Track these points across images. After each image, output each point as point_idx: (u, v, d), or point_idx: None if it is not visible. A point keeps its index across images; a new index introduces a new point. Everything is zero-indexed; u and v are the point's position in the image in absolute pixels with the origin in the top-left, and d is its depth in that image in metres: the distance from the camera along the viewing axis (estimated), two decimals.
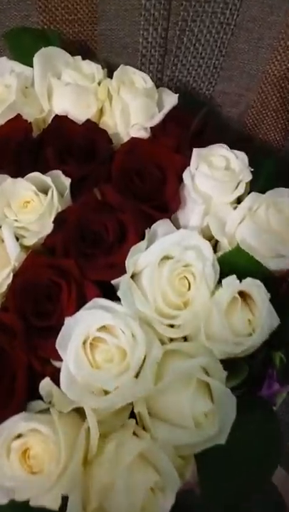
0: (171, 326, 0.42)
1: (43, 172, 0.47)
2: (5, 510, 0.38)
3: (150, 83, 0.54)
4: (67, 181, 0.47)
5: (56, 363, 0.41)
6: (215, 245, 0.48)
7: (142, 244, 0.44)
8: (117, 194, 0.46)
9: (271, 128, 0.66)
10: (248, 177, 0.48)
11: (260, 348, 0.42)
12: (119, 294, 0.42)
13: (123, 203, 0.46)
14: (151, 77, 0.55)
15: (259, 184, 0.50)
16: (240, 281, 0.42)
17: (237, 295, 0.42)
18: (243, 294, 0.43)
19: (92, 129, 0.51)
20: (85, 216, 0.45)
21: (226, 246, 0.46)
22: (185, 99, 0.56)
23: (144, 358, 0.40)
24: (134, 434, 0.40)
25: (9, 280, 0.43)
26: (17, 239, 0.45)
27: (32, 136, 0.50)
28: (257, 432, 0.42)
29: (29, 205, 0.46)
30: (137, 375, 0.39)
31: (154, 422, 0.40)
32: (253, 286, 0.42)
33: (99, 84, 0.53)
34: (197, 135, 0.53)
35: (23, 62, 0.54)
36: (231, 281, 0.42)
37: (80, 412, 0.40)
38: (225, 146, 0.50)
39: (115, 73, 0.53)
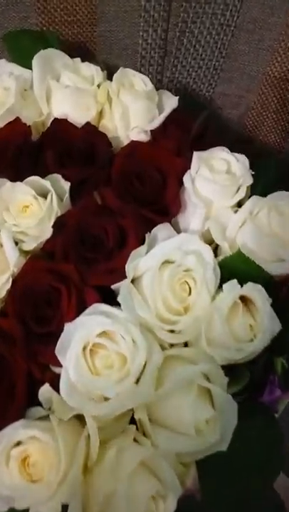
0: (172, 331, 0.42)
1: (43, 176, 0.46)
2: None
3: (150, 85, 0.54)
4: (66, 185, 0.46)
5: (56, 369, 0.41)
6: (215, 249, 0.47)
7: (142, 248, 0.44)
8: (117, 199, 0.46)
9: (271, 130, 0.66)
10: (249, 181, 0.48)
11: (261, 354, 0.42)
12: (119, 299, 0.42)
13: (123, 207, 0.45)
14: (150, 79, 0.55)
15: (259, 187, 0.50)
16: (241, 285, 0.42)
17: (238, 300, 0.42)
18: (244, 299, 0.43)
19: (91, 132, 0.50)
20: (85, 220, 0.45)
21: (226, 250, 0.46)
22: (185, 101, 0.56)
23: (145, 364, 0.39)
24: (135, 440, 0.40)
25: (8, 285, 0.43)
26: (16, 243, 0.45)
27: (31, 140, 0.50)
28: (258, 439, 0.41)
29: (28, 209, 0.46)
30: (137, 381, 0.39)
31: (155, 428, 0.40)
32: (255, 290, 0.42)
33: (98, 86, 0.53)
34: (198, 138, 0.52)
35: (21, 65, 0.54)
36: (232, 286, 0.42)
37: (80, 419, 0.40)
38: (226, 149, 0.50)
39: (115, 75, 0.53)
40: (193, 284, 0.43)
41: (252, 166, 0.49)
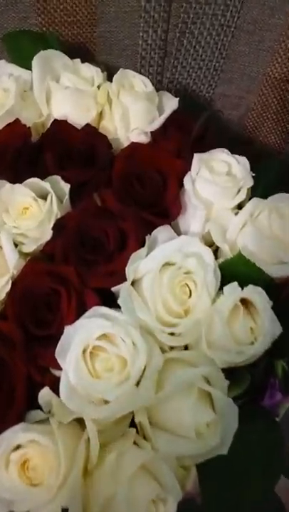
0: (172, 334, 0.42)
1: (42, 177, 0.46)
2: None
3: (150, 87, 0.54)
4: (66, 187, 0.46)
5: (56, 372, 0.41)
6: (216, 251, 0.47)
7: (143, 251, 0.44)
8: (117, 201, 0.45)
9: (271, 131, 0.66)
10: (250, 183, 0.48)
11: (261, 357, 0.41)
12: (119, 301, 0.41)
13: (124, 209, 0.45)
14: (150, 80, 0.55)
15: (260, 189, 0.50)
16: (242, 288, 0.42)
17: (239, 303, 0.42)
18: (244, 302, 0.42)
19: (91, 133, 0.50)
20: (85, 222, 0.45)
21: (227, 252, 0.46)
22: (185, 102, 0.55)
23: (145, 367, 0.39)
24: (135, 443, 0.40)
25: (8, 288, 0.43)
26: (16, 245, 0.45)
27: (31, 141, 0.49)
28: (259, 442, 0.41)
29: (28, 211, 0.45)
30: (137, 384, 0.39)
31: (155, 431, 0.39)
32: (255, 293, 0.42)
33: (98, 87, 0.53)
34: (198, 139, 0.52)
35: (21, 65, 0.54)
36: (233, 289, 0.42)
37: (79, 422, 0.40)
38: (226, 150, 0.50)
39: (115, 77, 0.53)
40: (194, 286, 0.43)
41: (252, 168, 0.49)
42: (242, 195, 0.48)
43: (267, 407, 0.42)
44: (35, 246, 0.44)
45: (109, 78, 0.54)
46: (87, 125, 0.51)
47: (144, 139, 0.51)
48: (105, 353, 0.39)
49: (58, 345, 0.39)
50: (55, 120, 0.51)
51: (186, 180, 0.48)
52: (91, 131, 0.50)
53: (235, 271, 0.43)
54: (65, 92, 0.51)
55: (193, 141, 0.51)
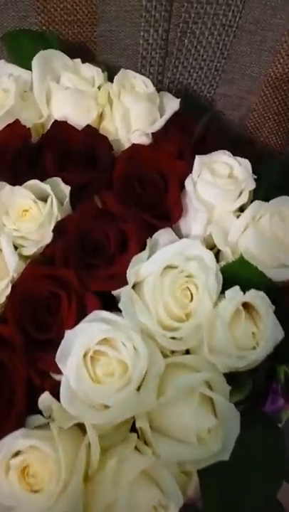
0: (173, 338, 0.42)
1: (42, 179, 0.46)
2: None
3: (151, 87, 0.53)
4: (66, 189, 0.46)
5: (56, 377, 0.40)
6: (217, 254, 0.47)
7: (144, 254, 0.43)
8: (118, 203, 0.45)
9: (273, 131, 0.65)
10: (252, 185, 0.47)
11: (263, 362, 0.41)
12: (120, 305, 0.41)
13: (124, 212, 0.45)
14: (151, 79, 0.54)
15: (262, 191, 0.49)
16: (244, 292, 0.42)
17: (240, 307, 0.41)
18: (246, 306, 0.42)
19: (92, 135, 0.50)
20: (86, 225, 0.44)
21: (228, 255, 0.45)
22: (186, 102, 0.55)
23: (146, 372, 0.39)
24: (136, 448, 0.40)
25: (8, 291, 0.42)
26: (16, 248, 0.44)
27: (31, 142, 0.49)
28: (261, 448, 0.41)
29: (28, 213, 0.45)
30: (138, 389, 0.39)
31: (156, 437, 0.39)
32: (257, 298, 0.41)
33: (99, 88, 0.52)
34: (199, 141, 0.52)
35: (21, 65, 0.53)
36: (235, 293, 0.42)
37: (80, 427, 0.39)
38: (227, 152, 0.49)
39: (116, 77, 0.52)
40: (195, 290, 0.42)
41: (254, 169, 0.49)
42: (244, 198, 0.48)
43: (269, 412, 0.42)
44: (36, 249, 0.44)
45: (110, 78, 0.54)
46: (88, 126, 0.50)
47: (145, 141, 0.51)
48: (106, 358, 0.39)
49: (59, 349, 0.39)
50: (56, 121, 0.50)
51: (188, 183, 0.48)
52: (92, 132, 0.50)
53: (237, 274, 0.43)
54: (65, 92, 0.51)
55: (194, 143, 0.51)
